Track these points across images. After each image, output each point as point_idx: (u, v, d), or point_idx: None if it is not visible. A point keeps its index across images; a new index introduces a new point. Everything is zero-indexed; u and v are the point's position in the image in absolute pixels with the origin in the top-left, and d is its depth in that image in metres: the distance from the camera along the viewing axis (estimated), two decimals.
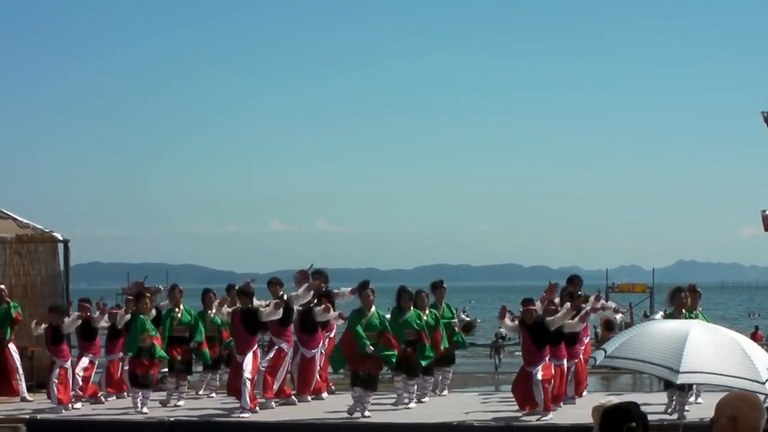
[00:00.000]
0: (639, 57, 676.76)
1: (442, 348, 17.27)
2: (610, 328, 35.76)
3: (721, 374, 7.49)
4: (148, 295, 17.34)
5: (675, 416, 14.83)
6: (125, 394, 17.98)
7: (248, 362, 15.99)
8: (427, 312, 17.12)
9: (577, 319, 16.10)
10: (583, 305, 16.58)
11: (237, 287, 17.04)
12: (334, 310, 17.69)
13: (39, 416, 16.53)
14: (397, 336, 16.17)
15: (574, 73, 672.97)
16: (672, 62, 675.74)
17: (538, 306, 16.25)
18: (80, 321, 17.51)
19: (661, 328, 7.95)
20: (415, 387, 16.78)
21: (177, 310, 17.95)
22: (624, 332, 8.24)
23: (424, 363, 16.73)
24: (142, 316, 16.85)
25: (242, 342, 16.20)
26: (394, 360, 16.06)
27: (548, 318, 15.70)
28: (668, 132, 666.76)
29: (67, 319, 17.41)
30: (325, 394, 17.99)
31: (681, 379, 7.40)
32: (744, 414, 5.54)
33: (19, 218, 20.39)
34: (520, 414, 15.62)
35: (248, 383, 15.92)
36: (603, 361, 7.77)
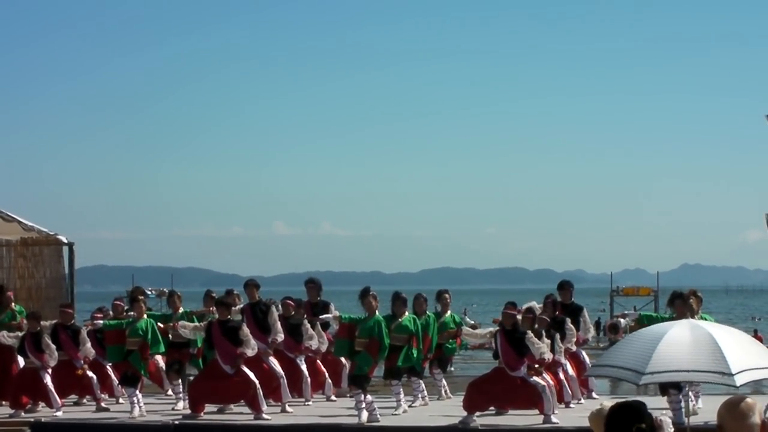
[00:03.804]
0: (642, 61, 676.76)
1: (430, 353, 17.22)
2: (615, 330, 35.56)
3: (762, 367, 7.64)
4: (141, 298, 17.43)
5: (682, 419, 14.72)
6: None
7: (250, 372, 16.14)
8: (423, 317, 17.04)
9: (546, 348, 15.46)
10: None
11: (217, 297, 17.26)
12: (331, 326, 17.94)
13: (43, 419, 16.59)
14: (389, 341, 16.05)
15: (576, 79, 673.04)
16: (678, 65, 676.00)
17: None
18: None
19: (679, 333, 7.91)
20: (401, 389, 16.50)
21: (175, 315, 17.94)
22: (634, 341, 8.05)
23: (401, 364, 16.41)
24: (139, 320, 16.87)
25: (228, 354, 16.19)
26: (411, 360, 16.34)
27: (529, 336, 15.18)
28: (673, 135, 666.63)
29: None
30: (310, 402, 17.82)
31: (739, 381, 7.47)
32: (727, 423, 5.56)
33: (24, 221, 20.45)
34: (522, 418, 15.55)
35: (260, 391, 16.04)
36: (646, 379, 7.69)
